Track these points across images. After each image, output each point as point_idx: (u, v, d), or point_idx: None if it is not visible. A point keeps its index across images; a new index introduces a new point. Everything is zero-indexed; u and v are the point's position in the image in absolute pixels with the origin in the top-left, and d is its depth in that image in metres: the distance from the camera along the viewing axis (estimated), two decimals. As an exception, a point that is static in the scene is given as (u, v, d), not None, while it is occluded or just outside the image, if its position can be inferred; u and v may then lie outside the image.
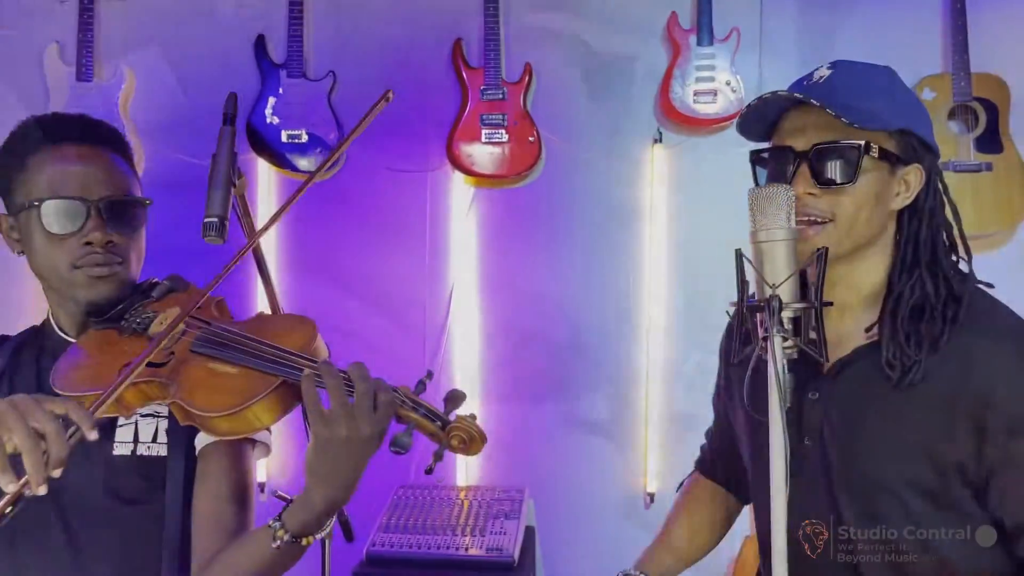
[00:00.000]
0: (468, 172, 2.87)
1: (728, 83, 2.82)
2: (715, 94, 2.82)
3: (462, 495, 2.64)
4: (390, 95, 1.27)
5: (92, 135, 1.24)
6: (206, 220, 1.13)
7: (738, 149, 2.91)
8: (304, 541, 1.04)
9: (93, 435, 0.94)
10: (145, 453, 1.19)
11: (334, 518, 1.05)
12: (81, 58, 2.96)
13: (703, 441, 1.67)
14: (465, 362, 2.94)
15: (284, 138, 2.90)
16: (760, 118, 1.27)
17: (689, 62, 2.83)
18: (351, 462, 0.99)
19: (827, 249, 1.12)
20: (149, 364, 1.08)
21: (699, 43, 2.84)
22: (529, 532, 2.51)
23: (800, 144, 1.21)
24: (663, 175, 2.92)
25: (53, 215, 1.17)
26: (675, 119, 2.86)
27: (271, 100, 2.91)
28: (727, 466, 1.55)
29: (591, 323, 2.95)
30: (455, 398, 1.03)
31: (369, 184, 2.96)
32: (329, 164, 2.87)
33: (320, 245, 2.98)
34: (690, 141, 2.92)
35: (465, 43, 2.90)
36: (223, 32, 3.00)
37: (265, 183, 2.96)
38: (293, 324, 1.16)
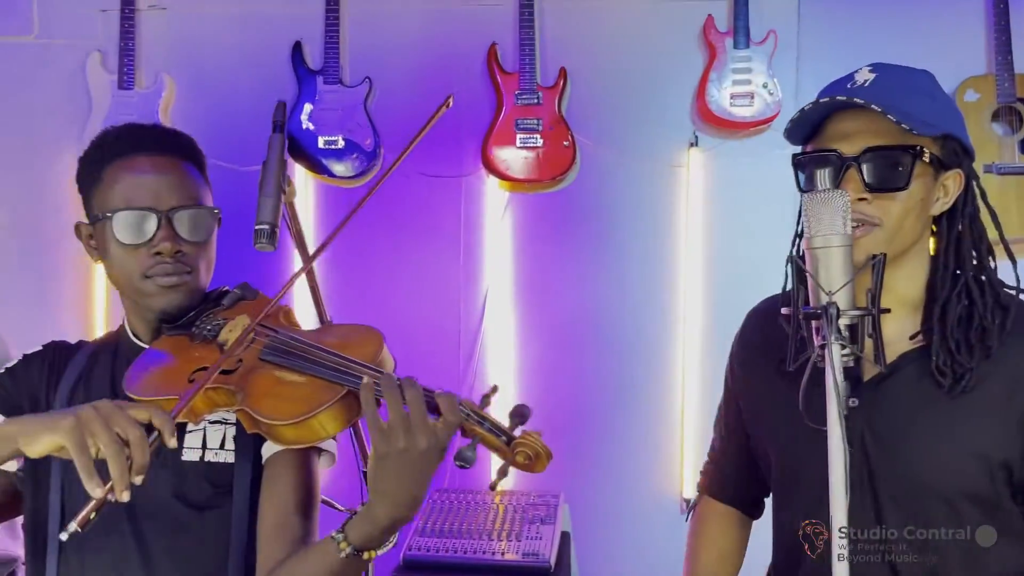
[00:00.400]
0: (502, 177, 2.87)
1: (765, 85, 2.79)
2: (751, 97, 2.79)
3: (497, 500, 2.64)
4: (450, 101, 1.28)
5: (165, 145, 1.26)
6: (257, 227, 1.15)
7: (775, 152, 2.92)
8: (366, 555, 1.03)
9: (173, 442, 0.95)
10: (213, 460, 1.20)
11: (396, 535, 1.04)
12: (122, 66, 3.01)
13: (704, 465, 1.62)
14: (499, 367, 2.94)
15: (321, 144, 2.92)
16: (806, 122, 1.25)
17: (725, 65, 2.81)
18: (411, 476, 0.98)
19: (885, 255, 1.11)
20: (219, 371, 1.10)
21: (735, 46, 2.82)
22: (564, 537, 2.50)
23: (848, 148, 1.19)
24: (699, 179, 2.90)
25: (124, 225, 1.18)
26: (711, 122, 2.84)
27: (308, 107, 2.93)
28: (742, 484, 1.52)
29: (626, 328, 2.93)
30: (521, 413, 1.01)
31: (404, 189, 2.97)
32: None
33: (355, 250, 3.00)
34: (726, 144, 2.89)
35: (500, 48, 2.91)
36: (260, 39, 3.04)
37: (302, 189, 2.99)
38: (360, 334, 1.16)
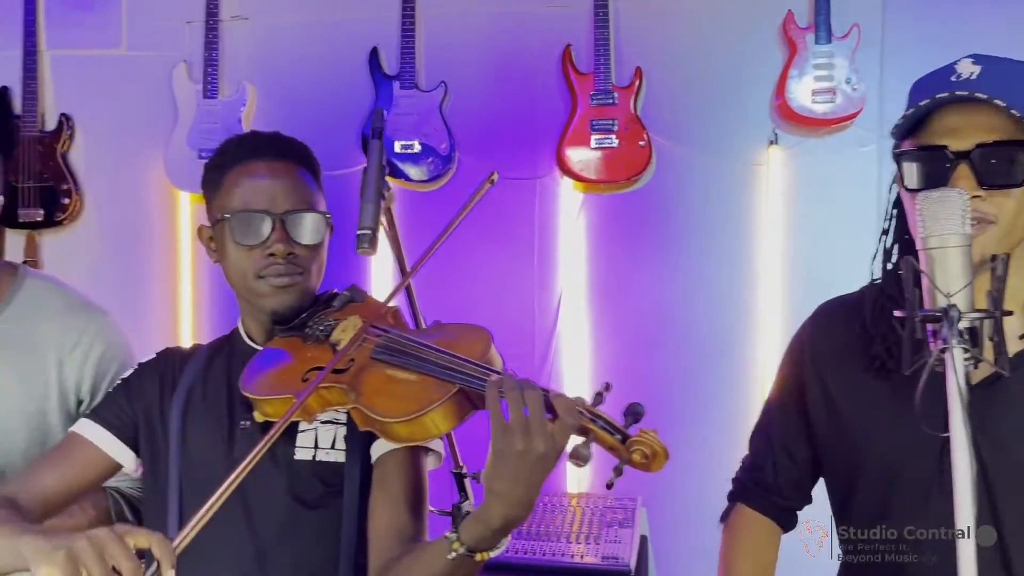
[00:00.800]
0: (577, 178, 2.86)
1: (848, 81, 2.72)
2: (833, 93, 2.72)
3: (574, 502, 2.63)
4: (495, 177, 1.29)
5: (282, 152, 1.30)
6: (360, 232, 1.17)
7: (858, 150, 2.85)
8: (478, 556, 1.03)
9: (171, 574, 0.93)
10: (324, 459, 1.22)
11: (508, 537, 1.05)
12: (206, 76, 3.10)
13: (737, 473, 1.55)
14: (574, 369, 2.93)
15: (397, 148, 2.96)
16: (912, 117, 1.20)
17: (806, 61, 2.74)
18: (526, 478, 0.97)
19: (1008, 255, 1.07)
20: (332, 370, 1.12)
21: (817, 41, 2.75)
22: (643, 541, 2.48)
23: (959, 143, 1.14)
24: (779, 178, 2.84)
25: (241, 227, 1.23)
26: (791, 119, 2.78)
27: (386, 110, 2.97)
28: (784, 493, 1.44)
29: (703, 331, 2.89)
30: (635, 411, 0.99)
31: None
32: (444, 178, 2.94)
33: (432, 252, 3.02)
34: (807, 142, 2.83)
35: (574, 49, 2.90)
36: (337, 47, 3.09)
37: (379, 192, 3.03)
38: (469, 333, 1.18)
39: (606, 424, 1.00)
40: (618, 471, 0.98)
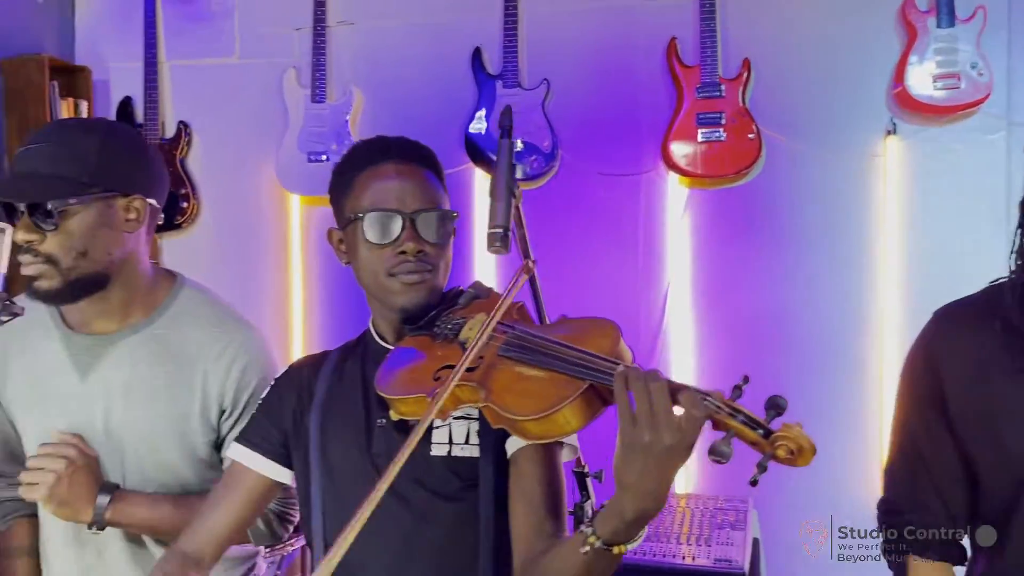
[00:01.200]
0: (683, 172, 2.81)
1: (973, 66, 2.58)
2: (957, 78, 2.59)
3: (683, 503, 2.57)
4: (531, 266, 1.27)
5: (410, 154, 1.33)
6: (491, 231, 1.17)
7: (985, 138, 2.70)
8: (616, 550, 1.02)
9: None
10: (459, 454, 1.24)
11: (645, 529, 1.03)
12: (315, 81, 3.18)
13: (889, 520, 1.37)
14: (680, 368, 2.87)
15: (500, 147, 2.96)
16: None
17: (927, 46, 2.62)
18: (655, 471, 0.96)
19: None
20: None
21: (939, 25, 2.62)
22: (755, 544, 2.41)
23: None
24: (897, 170, 2.72)
25: (372, 226, 1.26)
26: (911, 108, 2.65)
27: (488, 111, 2.99)
28: (961, 524, 1.30)
29: (816, 332, 2.79)
30: (776, 404, 0.96)
31: (581, 189, 2.97)
32: (546, 176, 2.93)
33: (533, 251, 3.02)
34: (928, 131, 2.70)
35: (679, 41, 2.84)
36: (440, 48, 3.12)
37: (483, 192, 3.05)
38: (597, 327, 1.16)
39: (747, 419, 0.96)
40: (762, 467, 0.94)
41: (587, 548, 1.02)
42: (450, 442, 1.25)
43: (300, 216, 3.27)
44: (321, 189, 3.12)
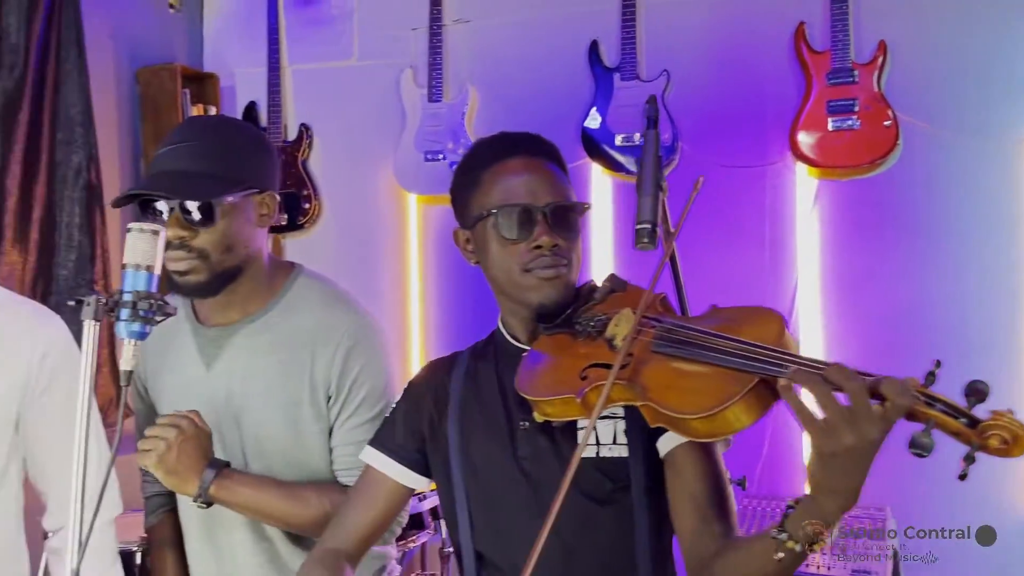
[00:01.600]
0: (812, 163, 2.68)
1: None
2: (1122, 54, 2.38)
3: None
4: (700, 182, 1.19)
5: (536, 148, 1.31)
6: (638, 227, 1.13)
7: None
8: (815, 547, 0.98)
9: None
10: (607, 455, 1.21)
11: (838, 525, 0.99)
12: (431, 80, 3.20)
13: None
14: (810, 367, 2.75)
15: (618, 141, 2.91)
16: None
17: (1087, 19, 2.42)
18: (861, 468, 0.92)
19: None
20: (610, 366, 1.09)
21: (1100, -4, 2.41)
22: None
23: None
24: (1051, 154, 2.52)
25: (505, 221, 1.23)
26: (1068, 88, 2.46)
27: (604, 104, 2.94)
28: None
29: (961, 328, 2.61)
30: (978, 390, 0.89)
31: (704, 182, 2.87)
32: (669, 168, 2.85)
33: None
34: (1088, 113, 2.49)
35: (807, 26, 2.72)
36: (556, 43, 3.09)
37: (600, 188, 3.00)
38: (758, 316, 1.10)
39: (947, 407, 0.89)
40: (970, 459, 0.87)
41: (782, 555, 0.97)
42: (597, 443, 1.21)
43: (417, 214, 3.30)
44: (438, 188, 3.21)
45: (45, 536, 1.47)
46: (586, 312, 1.23)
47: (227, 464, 1.38)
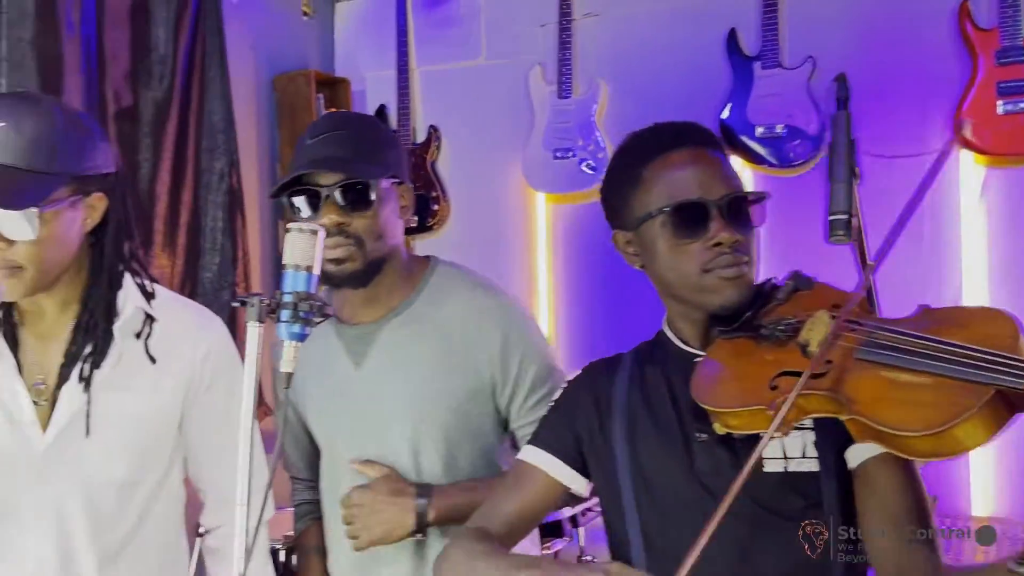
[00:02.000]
0: (979, 150, 2.49)
1: None
2: None
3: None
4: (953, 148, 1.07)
5: (701, 138, 1.22)
6: (832, 218, 1.04)
7: None
8: None
9: None
10: (796, 469, 1.11)
11: None
12: (561, 76, 3.14)
13: None
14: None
15: (758, 133, 2.77)
16: None
17: None
18: None
19: None
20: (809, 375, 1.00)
21: None
22: None
23: None
24: None
25: (678, 220, 1.15)
26: None
27: (743, 95, 2.80)
28: None
29: None
30: None
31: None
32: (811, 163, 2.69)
33: (805, 244, 2.79)
34: None
35: (971, 3, 2.51)
36: (689, 33, 2.97)
37: (749, 182, 2.86)
38: (986, 319, 0.99)
39: None
40: None
41: None
42: (785, 456, 1.11)
43: (546, 214, 3.25)
44: (567, 186, 3.14)
45: (196, 531, 1.49)
46: (770, 314, 1.12)
47: (429, 487, 1.37)
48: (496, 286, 1.51)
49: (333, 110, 3.39)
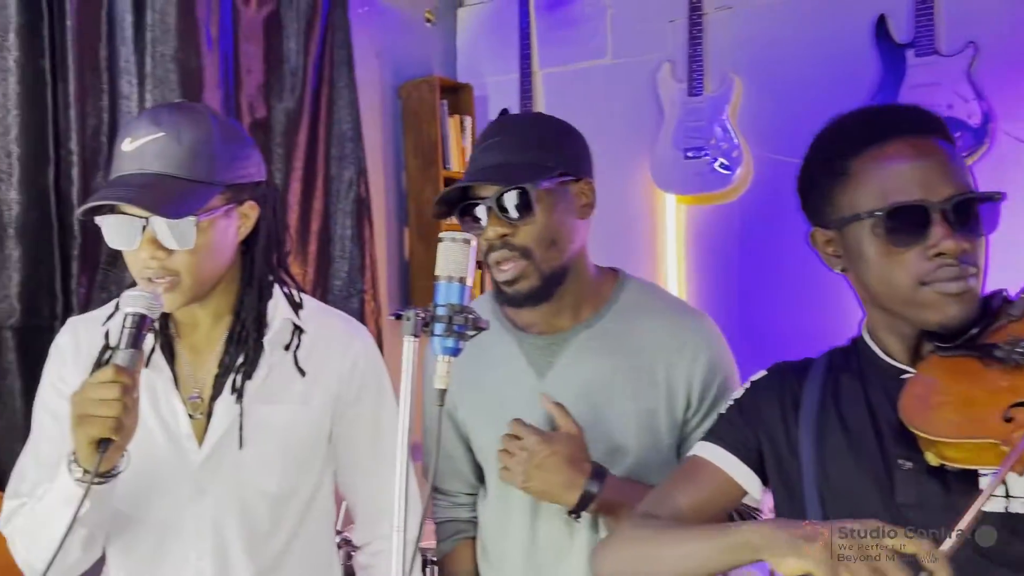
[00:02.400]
0: None
1: None
2: None
3: None
4: None
5: (920, 125, 1.06)
6: None
7: None
8: None
9: None
10: (1019, 510, 0.98)
11: None
12: (691, 73, 3.02)
13: None
14: None
15: (911, 126, 2.57)
16: None
17: None
18: None
19: None
20: None
21: None
22: None
23: None
24: None
25: (893, 225, 1.01)
26: None
27: (894, 85, 2.61)
28: None
29: None
30: None
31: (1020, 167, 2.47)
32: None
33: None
34: None
35: None
36: (832, 23, 2.80)
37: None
38: None
39: None
40: None
41: None
42: (1007, 495, 0.97)
43: (675, 215, 3.13)
44: (699, 187, 3.01)
45: (339, 544, 1.45)
46: (1001, 332, 0.98)
47: (603, 472, 1.28)
48: (693, 308, 1.45)
49: (453, 122, 3.38)
